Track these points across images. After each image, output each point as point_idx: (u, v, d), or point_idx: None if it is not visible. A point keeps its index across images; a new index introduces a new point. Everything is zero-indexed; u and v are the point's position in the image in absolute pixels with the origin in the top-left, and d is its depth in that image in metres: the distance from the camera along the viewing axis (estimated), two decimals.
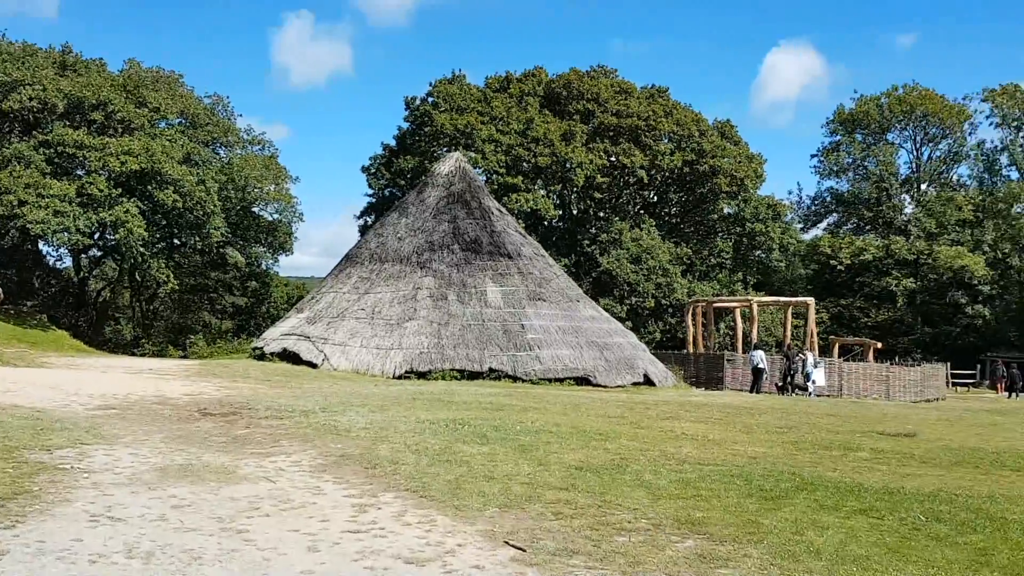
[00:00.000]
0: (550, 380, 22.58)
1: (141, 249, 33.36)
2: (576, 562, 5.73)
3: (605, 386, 23.08)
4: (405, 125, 51.00)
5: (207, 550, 5.71)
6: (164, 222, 36.41)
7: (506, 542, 6.14)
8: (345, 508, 7.08)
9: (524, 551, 5.92)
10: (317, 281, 37.09)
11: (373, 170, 51.33)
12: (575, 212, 50.52)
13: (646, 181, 48.09)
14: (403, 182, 46.70)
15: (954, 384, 41.03)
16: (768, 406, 19.63)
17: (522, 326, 23.75)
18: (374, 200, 51.60)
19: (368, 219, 50.35)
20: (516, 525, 6.65)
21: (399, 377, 22.19)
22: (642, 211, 51.60)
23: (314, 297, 27.10)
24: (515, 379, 22.27)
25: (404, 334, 23.54)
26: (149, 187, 33.49)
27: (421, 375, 22.35)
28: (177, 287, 38.65)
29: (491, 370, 22.46)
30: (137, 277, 40.20)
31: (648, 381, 24.70)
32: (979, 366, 44.87)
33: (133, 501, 7.03)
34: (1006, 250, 50.83)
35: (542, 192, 46.57)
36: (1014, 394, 37.79)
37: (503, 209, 29.21)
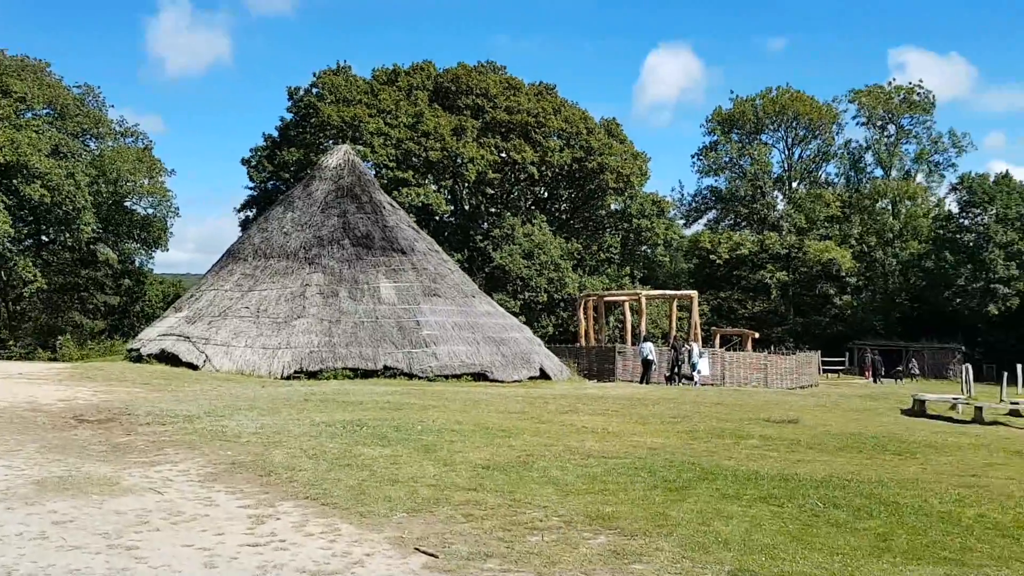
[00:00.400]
0: (447, 377, 22.33)
1: (8, 245, 31.16)
2: (491, 566, 5.56)
3: (502, 381, 23.05)
4: (288, 116, 49.40)
5: (94, 570, 5.22)
6: (31, 218, 34.12)
7: (417, 549, 5.91)
8: (241, 519, 6.65)
9: (436, 557, 5.70)
10: (195, 278, 35.47)
11: (254, 162, 49.43)
12: (467, 207, 50.37)
13: (537, 177, 48.43)
14: (287, 175, 45.20)
15: (825, 371, 43.31)
16: (659, 396, 20.09)
17: (417, 322, 23.39)
18: (256, 194, 49.75)
19: (249, 213, 48.51)
20: (426, 530, 6.42)
21: (288, 377, 21.42)
22: (533, 207, 51.96)
23: (194, 295, 25.83)
24: (411, 377, 21.91)
25: (293, 333, 22.74)
26: (14, 181, 31.37)
27: (312, 375, 21.65)
28: (45, 286, 36.35)
29: (386, 368, 22.01)
30: (2, 276, 37.47)
31: (544, 375, 24.83)
32: (847, 354, 47.62)
33: (9, 518, 6.39)
34: (871, 244, 54.14)
35: (433, 187, 46.16)
36: (879, 379, 40.36)
37: (395, 204, 28.70)
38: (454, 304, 25.22)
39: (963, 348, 47.42)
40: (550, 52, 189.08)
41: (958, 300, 48.31)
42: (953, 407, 20.36)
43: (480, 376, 23.16)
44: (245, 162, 50.00)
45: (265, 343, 22.43)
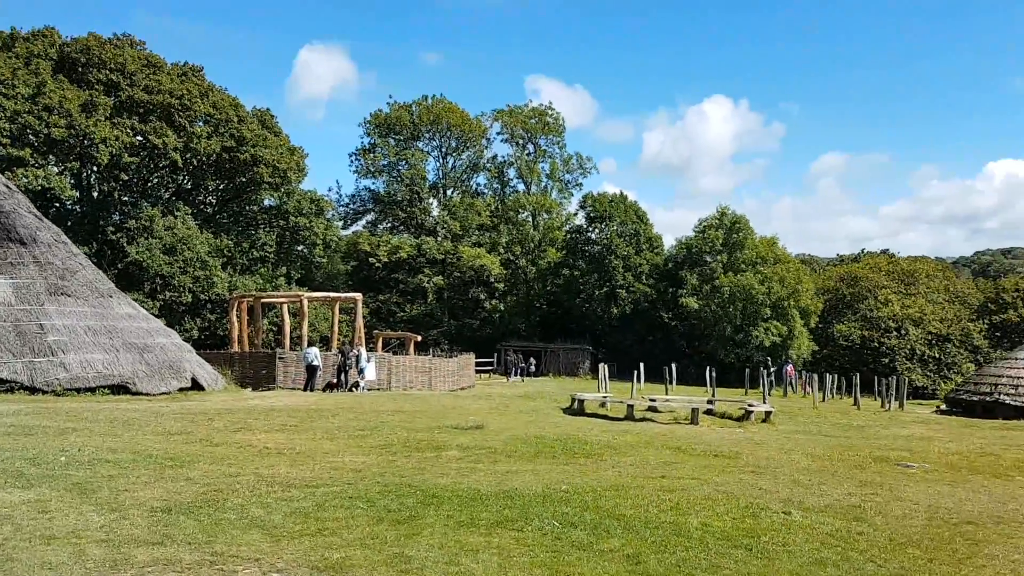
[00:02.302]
0: (80, 390, 18.85)
1: None
2: None
3: (148, 394, 20.11)
4: None
5: None
6: None
7: None
8: None
9: None
10: None
11: None
12: (96, 194, 44.16)
13: (180, 165, 44.08)
14: None
15: (478, 372, 45.31)
16: (335, 406, 18.95)
17: (41, 326, 19.45)
18: None
19: None
20: None
21: None
22: (176, 197, 47.23)
23: None
24: (34, 391, 18.11)
25: None
26: None
27: None
28: None
29: (1, 381, 17.95)
30: None
31: (197, 386, 22.24)
32: (496, 355, 50.36)
33: None
34: (516, 252, 58.03)
35: (56, 169, 39.66)
36: (516, 377, 43.29)
37: (12, 186, 23.78)
38: (87, 305, 21.53)
39: (591, 348, 52.74)
40: (196, 34, 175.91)
41: (587, 305, 53.63)
42: (603, 405, 22.09)
43: (121, 388, 20.00)
44: None
45: None
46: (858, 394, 31.65)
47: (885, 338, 52.23)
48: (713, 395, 28.13)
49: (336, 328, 35.02)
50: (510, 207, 60.16)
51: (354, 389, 27.11)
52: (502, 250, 57.35)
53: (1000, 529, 7.70)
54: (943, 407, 32.93)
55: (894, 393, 30.82)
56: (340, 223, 59.29)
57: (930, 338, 52.63)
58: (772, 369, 41.08)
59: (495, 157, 63.97)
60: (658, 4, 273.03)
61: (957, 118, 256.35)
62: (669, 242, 57.72)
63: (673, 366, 36.58)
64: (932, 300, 56.34)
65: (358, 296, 35.52)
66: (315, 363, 26.67)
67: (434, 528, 6.98)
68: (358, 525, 7.04)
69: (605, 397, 22.95)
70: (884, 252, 77.72)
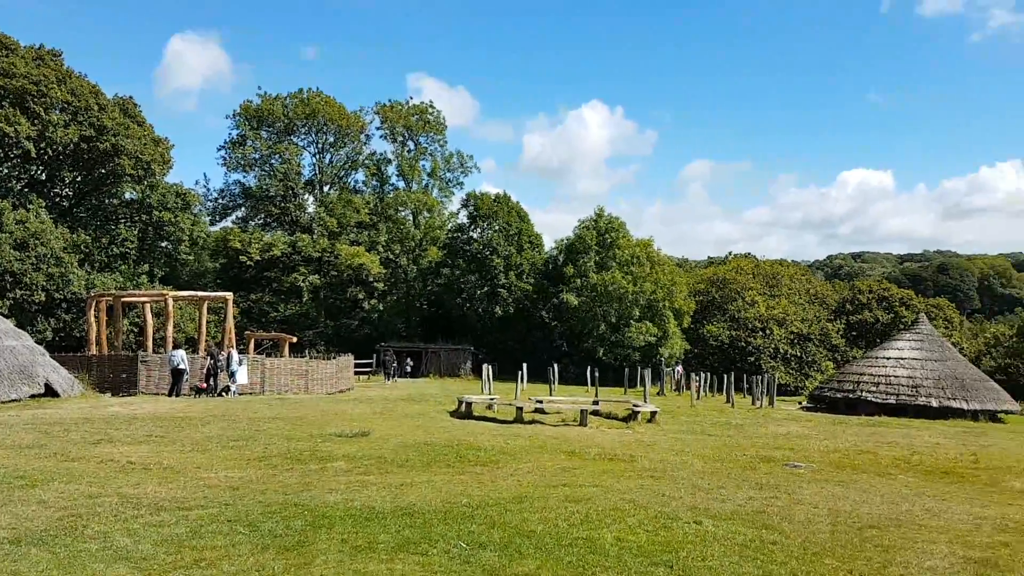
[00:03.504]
0: None
1: None
2: None
3: None
4: None
5: None
6: None
7: None
8: None
9: None
10: None
11: None
12: None
13: (34, 155, 40.58)
14: None
15: (356, 373, 44.04)
16: (205, 413, 17.68)
17: None
18: None
19: None
20: None
21: None
22: (29, 189, 43.44)
23: None
24: None
25: None
26: None
27: None
28: None
29: None
30: None
31: (51, 392, 20.34)
32: (374, 355, 49.12)
33: None
34: (396, 251, 56.87)
35: None
36: (394, 378, 42.43)
37: None
38: None
39: (473, 348, 52.36)
40: (56, 15, 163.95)
41: (468, 304, 53.25)
42: (490, 407, 21.71)
43: None
44: None
45: None
46: (731, 392, 32.71)
47: (751, 338, 54.48)
48: (596, 395, 28.32)
49: (204, 329, 33.04)
50: (390, 205, 58.94)
51: (224, 394, 25.58)
52: (382, 249, 56.06)
53: (903, 533, 7.76)
54: (807, 403, 34.56)
55: (764, 391, 32.01)
56: (208, 219, 56.30)
57: (792, 337, 55.31)
58: (668, 369, 42.12)
59: (374, 154, 62.64)
60: (542, 9, 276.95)
61: (814, 129, 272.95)
62: (549, 244, 58.21)
63: (555, 366, 36.69)
64: (794, 301, 59.31)
65: (228, 295, 33.69)
66: (181, 366, 24.99)
67: (328, 555, 6.31)
68: (240, 555, 6.28)
69: (492, 399, 22.57)
70: (748, 255, 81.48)
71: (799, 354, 54.82)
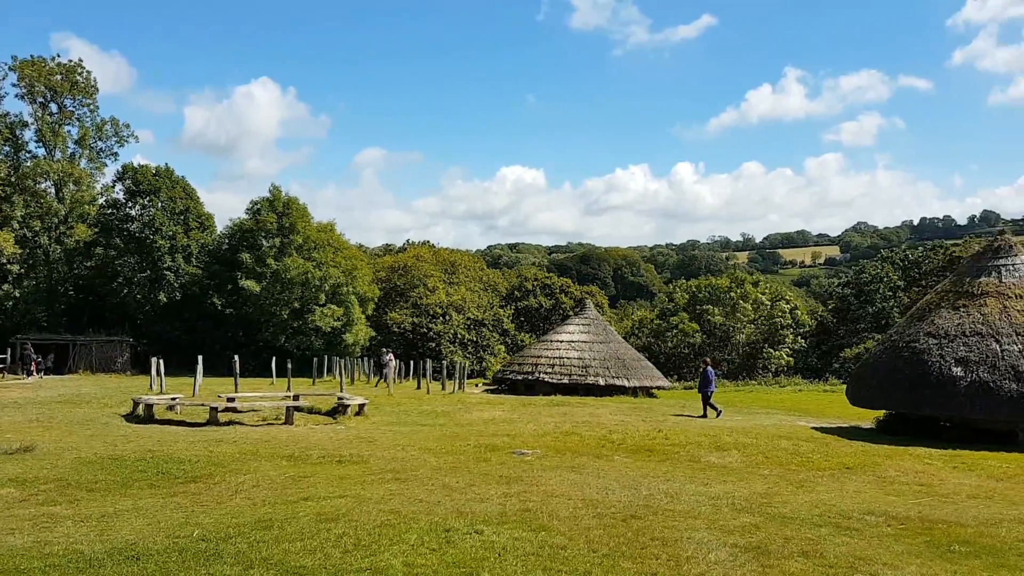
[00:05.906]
0: None
1: None
2: None
3: None
4: None
5: None
6: None
7: None
8: None
9: None
10: None
11: None
12: None
13: None
14: None
15: None
16: None
17: None
18: None
19: None
20: None
21: None
22: None
23: None
24: None
25: None
26: None
27: None
28: None
29: None
30: None
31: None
32: (10, 350, 41.83)
33: None
34: (35, 228, 48.89)
35: None
36: (37, 375, 36.77)
37: None
38: None
39: (131, 340, 46.92)
40: None
41: (126, 290, 47.65)
42: (171, 408, 19.34)
43: None
44: None
45: None
46: (422, 379, 32.99)
47: (433, 324, 55.75)
48: (289, 388, 26.73)
49: None
50: (27, 175, 50.47)
51: None
52: (17, 225, 47.77)
53: (663, 521, 7.94)
54: (490, 385, 36.09)
55: (457, 376, 32.73)
56: None
57: (469, 323, 57.61)
58: (383, 360, 41.00)
59: (7, 115, 53.23)
60: None
61: (480, 126, 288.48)
62: (220, 225, 54.05)
63: (236, 358, 34.03)
64: (471, 288, 61.83)
65: None
66: None
67: None
68: None
69: (174, 399, 20.07)
70: (427, 243, 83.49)
71: (475, 339, 57.26)
